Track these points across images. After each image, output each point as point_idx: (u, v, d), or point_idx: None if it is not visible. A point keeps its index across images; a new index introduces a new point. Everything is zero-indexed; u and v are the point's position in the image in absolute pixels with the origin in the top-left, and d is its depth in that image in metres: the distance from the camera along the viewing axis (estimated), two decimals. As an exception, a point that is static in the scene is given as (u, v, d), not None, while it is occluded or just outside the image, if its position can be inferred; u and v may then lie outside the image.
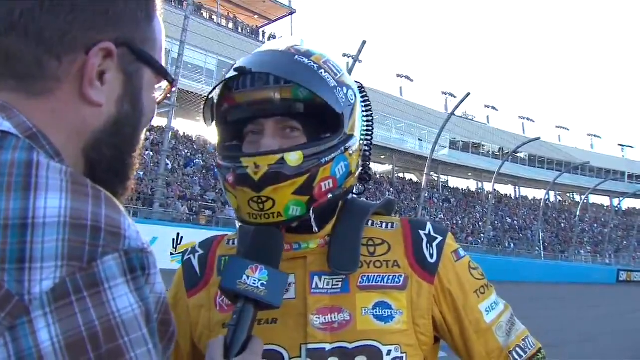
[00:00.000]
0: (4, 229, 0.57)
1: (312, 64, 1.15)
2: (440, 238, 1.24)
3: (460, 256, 1.25)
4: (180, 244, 17.89)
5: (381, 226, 1.27)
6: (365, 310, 1.14)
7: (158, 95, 0.87)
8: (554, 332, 12.16)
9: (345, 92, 1.17)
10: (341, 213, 1.23)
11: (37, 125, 0.70)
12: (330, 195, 1.14)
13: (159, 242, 16.98)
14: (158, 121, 30.34)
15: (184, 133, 35.35)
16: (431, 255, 1.21)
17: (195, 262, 1.29)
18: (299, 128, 1.15)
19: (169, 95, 0.92)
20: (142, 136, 0.86)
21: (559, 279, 34.89)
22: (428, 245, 1.22)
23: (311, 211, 1.12)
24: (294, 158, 1.09)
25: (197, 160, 30.45)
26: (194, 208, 24.35)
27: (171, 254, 17.41)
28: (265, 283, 1.01)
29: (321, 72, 1.14)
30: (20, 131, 0.67)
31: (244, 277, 1.02)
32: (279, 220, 1.11)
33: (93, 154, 0.77)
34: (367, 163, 1.28)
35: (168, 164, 25.23)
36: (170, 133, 22.94)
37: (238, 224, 1.30)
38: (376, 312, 1.14)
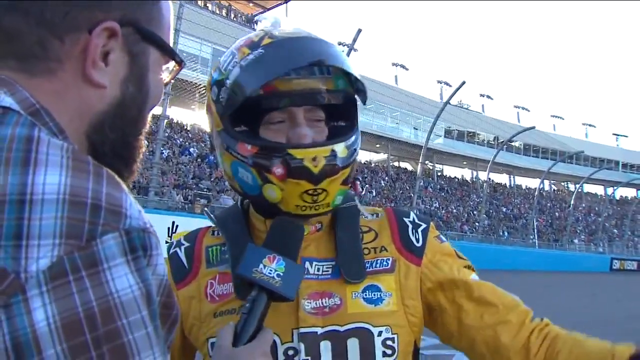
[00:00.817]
0: (1, 205, 0.56)
1: (342, 53, 1.15)
2: (424, 225, 1.27)
3: (443, 240, 1.28)
4: (175, 232, 17.87)
5: (366, 216, 1.28)
6: (355, 294, 1.15)
7: (165, 76, 0.85)
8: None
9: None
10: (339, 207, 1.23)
11: (39, 102, 0.68)
12: (357, 182, 1.20)
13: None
14: (152, 110, 30.24)
15: (178, 121, 35.24)
16: (417, 240, 1.23)
17: (182, 255, 1.26)
18: (323, 119, 1.16)
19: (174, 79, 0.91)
20: (149, 118, 0.84)
21: (553, 267, 35.09)
22: (413, 230, 1.24)
23: (355, 199, 1.22)
24: (340, 149, 1.10)
25: (193, 149, 30.39)
26: (189, 197, 24.33)
27: (166, 242, 17.38)
28: (281, 274, 1.01)
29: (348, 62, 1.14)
30: (23, 107, 0.66)
31: (261, 266, 1.01)
32: (326, 210, 1.14)
33: (96, 137, 0.76)
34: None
35: (163, 153, 25.17)
36: (165, 121, 22.87)
37: (211, 215, 1.28)
38: (366, 295, 1.15)
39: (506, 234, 44.83)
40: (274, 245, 1.06)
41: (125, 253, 0.59)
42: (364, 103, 1.17)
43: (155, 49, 0.80)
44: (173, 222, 17.99)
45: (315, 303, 1.13)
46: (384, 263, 1.20)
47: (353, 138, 1.14)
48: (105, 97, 0.75)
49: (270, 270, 1.00)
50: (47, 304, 0.54)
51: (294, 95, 1.11)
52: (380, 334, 1.12)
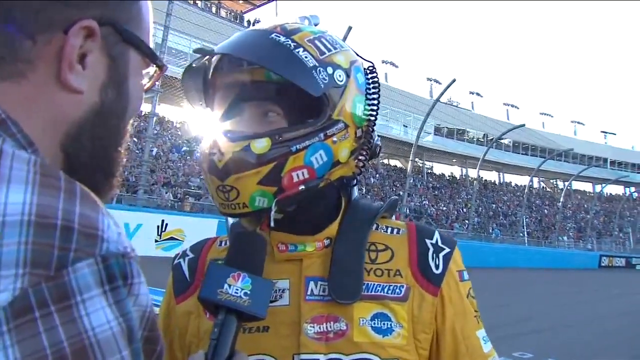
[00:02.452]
0: None
1: (290, 42, 1.06)
2: (447, 249, 1.15)
3: (464, 278, 1.16)
4: (164, 230, 17.82)
5: (386, 231, 1.17)
6: (363, 321, 1.05)
7: (146, 81, 0.78)
8: (536, 318, 12.28)
9: (329, 72, 1.06)
10: (343, 219, 1.14)
11: (7, 111, 0.60)
12: (302, 187, 1.04)
13: (143, 229, 16.93)
14: (142, 107, 30.21)
15: (167, 118, 35.11)
16: (437, 266, 1.12)
17: (184, 267, 1.20)
18: (278, 112, 1.07)
19: (158, 82, 0.82)
20: (129, 127, 0.76)
21: (542, 264, 35.27)
22: (434, 255, 1.13)
23: (274, 203, 1.03)
24: (260, 145, 1.01)
25: (184, 147, 30.30)
26: (179, 195, 24.24)
27: (155, 241, 17.35)
28: (248, 292, 0.92)
29: (298, 51, 1.05)
30: None
31: (225, 286, 0.92)
32: (245, 212, 1.04)
33: (72, 148, 0.67)
34: (365, 152, 1.14)
35: (152, 150, 25.07)
36: (154, 119, 22.80)
37: (229, 224, 1.22)
38: (374, 323, 1.06)
39: (498, 232, 44.89)
40: (236, 262, 0.98)
41: (102, 283, 0.52)
42: (315, 94, 1.03)
43: (136, 51, 0.72)
44: (162, 221, 17.93)
45: (319, 327, 1.05)
46: (397, 290, 1.09)
47: (293, 134, 1.03)
48: (83, 103, 0.67)
49: (237, 290, 0.92)
50: (9, 347, 0.46)
51: (229, 87, 1.11)
52: None
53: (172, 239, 17.84)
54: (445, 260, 1.13)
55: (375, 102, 1.15)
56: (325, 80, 1.05)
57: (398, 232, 1.17)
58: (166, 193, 23.54)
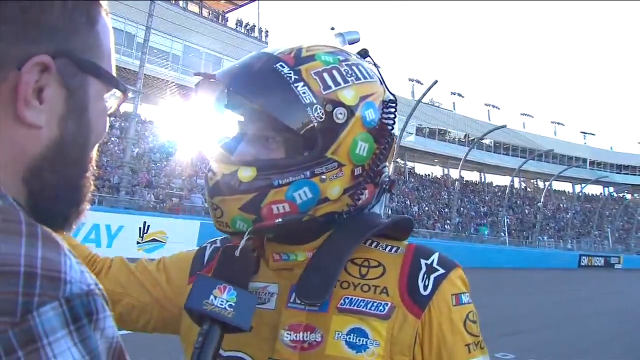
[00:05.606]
0: None
1: (292, 75, 1.03)
2: (441, 271, 1.09)
3: (462, 302, 1.09)
4: (146, 232, 17.64)
5: (385, 249, 1.14)
6: (338, 334, 1.04)
7: (110, 104, 0.76)
8: (517, 319, 12.35)
9: (328, 110, 1.04)
10: (334, 231, 1.12)
11: None
12: (279, 220, 1.04)
13: (125, 231, 16.77)
14: (124, 107, 29.93)
15: (146, 119, 34.91)
16: (425, 287, 1.07)
17: (207, 252, 1.27)
18: (278, 140, 1.07)
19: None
20: (94, 154, 0.74)
21: (522, 264, 35.53)
22: (425, 275, 1.08)
23: (247, 232, 1.05)
24: (246, 174, 1.03)
25: (167, 148, 30.14)
26: (161, 196, 24.10)
27: (137, 242, 17.19)
28: (233, 304, 0.96)
29: (297, 86, 1.02)
30: None
31: (211, 297, 0.96)
32: (227, 230, 1.08)
33: (34, 182, 0.66)
34: (360, 192, 1.10)
35: (134, 151, 24.91)
36: (136, 120, 22.65)
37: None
38: (350, 338, 1.03)
39: (486, 232, 45.08)
40: (223, 274, 1.03)
41: (68, 324, 0.52)
42: (304, 133, 1.02)
43: (96, 78, 0.71)
44: (144, 222, 17.72)
45: (295, 335, 1.06)
46: (380, 307, 1.05)
47: (279, 169, 1.03)
48: (42, 138, 0.66)
49: (222, 302, 0.96)
50: None
51: (229, 106, 1.13)
52: None
53: (154, 240, 17.67)
54: (436, 282, 1.08)
55: (384, 140, 1.11)
56: (321, 118, 1.03)
57: (396, 251, 1.14)
58: (148, 194, 23.40)
